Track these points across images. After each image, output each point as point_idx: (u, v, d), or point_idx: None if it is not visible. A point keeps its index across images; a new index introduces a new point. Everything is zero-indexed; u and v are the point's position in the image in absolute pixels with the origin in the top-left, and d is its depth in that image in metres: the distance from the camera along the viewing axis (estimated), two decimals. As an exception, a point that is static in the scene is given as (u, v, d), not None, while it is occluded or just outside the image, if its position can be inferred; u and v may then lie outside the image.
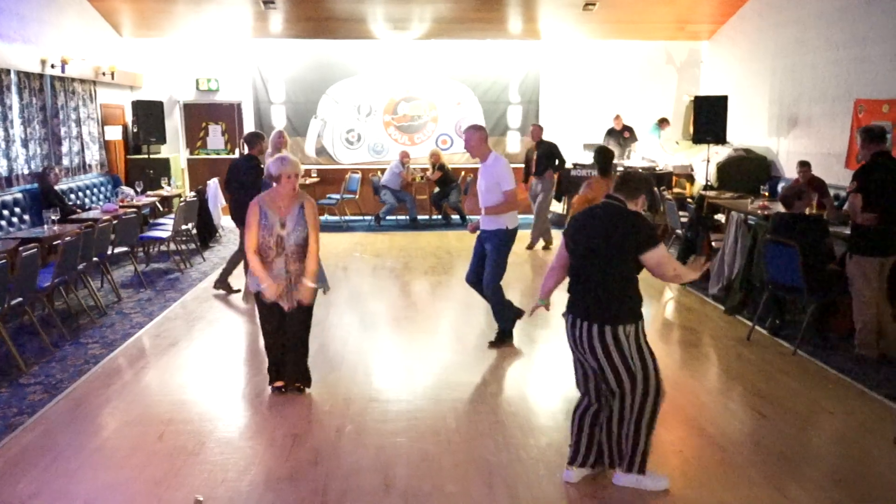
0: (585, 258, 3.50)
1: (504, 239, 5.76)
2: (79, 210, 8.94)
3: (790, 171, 10.39)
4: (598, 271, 3.44)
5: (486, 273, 5.80)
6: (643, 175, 3.69)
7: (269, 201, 4.64)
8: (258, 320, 4.98)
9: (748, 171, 10.80)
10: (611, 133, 12.51)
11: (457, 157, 13.47)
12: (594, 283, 3.44)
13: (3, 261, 5.13)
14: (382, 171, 12.82)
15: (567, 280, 3.66)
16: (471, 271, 5.99)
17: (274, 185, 4.66)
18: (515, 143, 13.64)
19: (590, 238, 3.48)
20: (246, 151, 7.25)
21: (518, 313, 6.01)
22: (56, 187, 8.91)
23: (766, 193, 8.85)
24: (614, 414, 3.53)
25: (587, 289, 3.47)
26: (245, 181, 6.86)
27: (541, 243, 10.10)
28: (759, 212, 7.76)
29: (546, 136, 10.32)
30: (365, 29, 12.49)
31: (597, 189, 6.36)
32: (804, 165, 8.11)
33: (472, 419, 4.49)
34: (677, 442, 4.21)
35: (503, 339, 5.96)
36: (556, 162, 10.03)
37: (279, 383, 4.89)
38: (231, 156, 13.28)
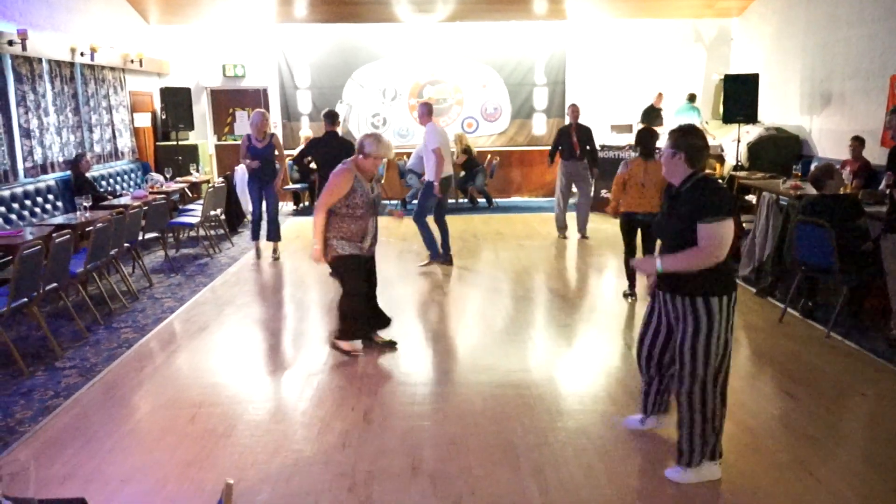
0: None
1: (429, 187, 7.82)
2: (110, 196, 9.08)
3: (823, 150, 10.17)
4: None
5: (415, 210, 7.91)
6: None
7: (358, 170, 5.05)
8: (348, 283, 5.18)
9: (780, 151, 10.57)
10: (651, 110, 12.18)
11: (482, 140, 13.42)
12: None
13: (38, 247, 5.23)
14: (408, 155, 12.81)
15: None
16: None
17: (360, 156, 5.02)
18: (541, 125, 13.53)
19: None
20: (326, 129, 7.92)
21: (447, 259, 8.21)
22: (87, 174, 9.06)
23: (798, 173, 8.68)
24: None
25: None
26: (339, 154, 6.84)
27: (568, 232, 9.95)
28: (791, 192, 7.58)
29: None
30: (389, 12, 12.44)
31: (635, 170, 6.27)
32: (856, 140, 7.93)
33: (498, 402, 4.49)
34: (706, 425, 4.17)
35: (441, 262, 8.12)
36: (588, 147, 9.58)
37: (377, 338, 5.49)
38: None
